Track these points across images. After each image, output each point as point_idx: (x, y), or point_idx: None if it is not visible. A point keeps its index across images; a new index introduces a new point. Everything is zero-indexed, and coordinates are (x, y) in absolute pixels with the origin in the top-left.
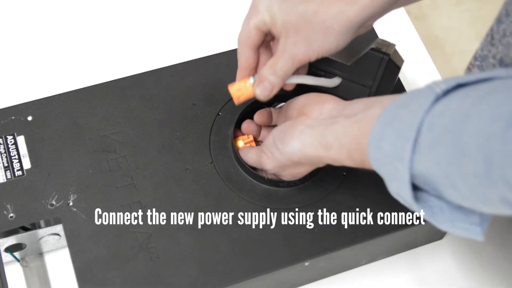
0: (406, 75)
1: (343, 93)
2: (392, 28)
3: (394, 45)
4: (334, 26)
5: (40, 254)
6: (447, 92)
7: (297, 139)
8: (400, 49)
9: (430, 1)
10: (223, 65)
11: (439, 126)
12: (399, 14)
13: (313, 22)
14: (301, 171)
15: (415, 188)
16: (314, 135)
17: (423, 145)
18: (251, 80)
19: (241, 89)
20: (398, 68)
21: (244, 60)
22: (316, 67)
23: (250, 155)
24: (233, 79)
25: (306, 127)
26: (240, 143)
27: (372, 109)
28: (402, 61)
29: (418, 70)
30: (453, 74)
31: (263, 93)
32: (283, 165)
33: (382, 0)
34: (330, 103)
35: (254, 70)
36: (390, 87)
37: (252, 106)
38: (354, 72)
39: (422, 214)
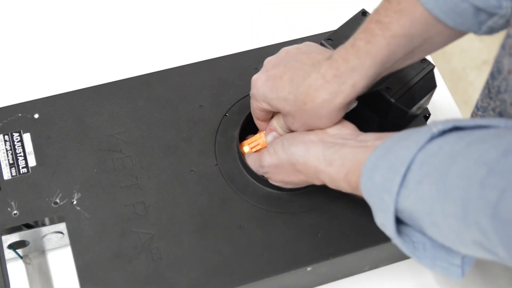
0: None
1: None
2: None
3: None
4: (323, 112)
5: (43, 252)
6: (443, 133)
7: (305, 145)
8: None
9: None
10: (230, 67)
11: (428, 164)
12: None
13: (305, 110)
14: (293, 180)
15: (401, 222)
16: (322, 148)
17: (411, 180)
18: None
19: (258, 144)
20: (405, 112)
21: (260, 126)
22: None
23: (251, 158)
24: (240, 81)
25: (318, 139)
26: (246, 148)
27: (380, 141)
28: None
29: None
30: (453, 74)
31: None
32: (280, 166)
33: (363, 83)
34: (349, 129)
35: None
36: (398, 125)
37: None
38: (370, 101)
39: (403, 248)
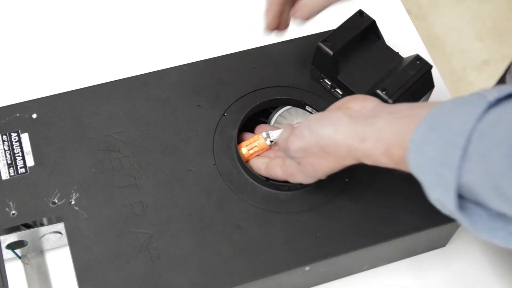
0: None
1: None
2: (392, 28)
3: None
4: None
5: (41, 252)
6: (498, 101)
7: (332, 124)
8: (400, 49)
9: (431, 0)
10: (228, 67)
11: (492, 136)
12: (399, 14)
13: None
14: (323, 165)
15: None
16: (351, 124)
17: (474, 153)
18: (264, 134)
19: (256, 146)
20: None
21: (273, 16)
22: (337, 85)
23: (280, 138)
24: (238, 80)
25: (345, 115)
26: (244, 150)
27: (417, 109)
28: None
29: None
30: (453, 74)
31: (303, 15)
32: (308, 149)
33: None
34: (373, 101)
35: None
36: None
37: (258, 108)
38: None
39: (463, 222)
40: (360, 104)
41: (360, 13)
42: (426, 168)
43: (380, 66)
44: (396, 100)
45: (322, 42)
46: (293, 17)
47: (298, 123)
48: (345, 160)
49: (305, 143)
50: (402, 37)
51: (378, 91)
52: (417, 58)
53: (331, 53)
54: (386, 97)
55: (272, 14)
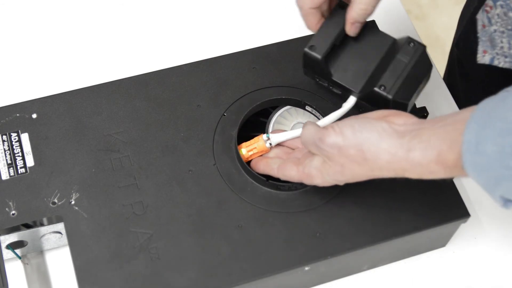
0: None
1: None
2: (392, 28)
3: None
4: None
5: (41, 252)
6: None
7: (378, 132)
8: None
9: (430, 0)
10: (228, 66)
11: None
12: (399, 14)
13: None
14: (354, 170)
15: None
16: (396, 137)
17: None
18: (264, 137)
19: (256, 147)
20: (405, 104)
21: (316, 22)
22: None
23: (309, 129)
24: (238, 80)
25: (389, 127)
26: (244, 150)
27: (461, 114)
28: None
29: None
30: None
31: (356, 31)
32: (345, 148)
33: None
34: (413, 117)
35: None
36: None
37: (258, 108)
38: (370, 102)
39: None
40: (402, 120)
41: (341, 5)
42: (488, 166)
43: (373, 54)
44: (396, 93)
45: (308, 48)
46: (350, 33)
47: (299, 123)
48: (381, 171)
49: (344, 141)
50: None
51: (376, 89)
52: (409, 40)
53: (319, 57)
54: (385, 93)
55: (312, 23)
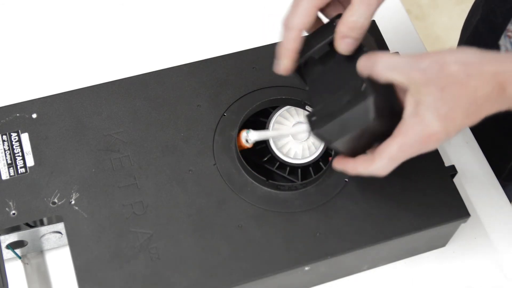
0: None
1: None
2: (392, 28)
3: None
4: None
5: (41, 252)
6: None
7: (474, 53)
8: (400, 49)
9: (430, 0)
10: (228, 67)
11: None
12: (399, 14)
13: None
14: (457, 97)
15: None
16: (496, 53)
17: None
18: (244, 133)
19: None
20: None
21: (297, 45)
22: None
23: (390, 54)
24: (238, 80)
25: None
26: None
27: None
28: None
29: None
30: None
31: (348, 49)
32: (447, 65)
33: None
34: None
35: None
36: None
37: (258, 108)
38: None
39: None
40: None
41: (333, 21)
42: None
43: (344, 75)
44: (321, 128)
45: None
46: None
47: (299, 123)
48: (485, 87)
49: (444, 58)
50: (402, 37)
51: (307, 115)
52: (364, 82)
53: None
54: (309, 124)
55: (289, 57)
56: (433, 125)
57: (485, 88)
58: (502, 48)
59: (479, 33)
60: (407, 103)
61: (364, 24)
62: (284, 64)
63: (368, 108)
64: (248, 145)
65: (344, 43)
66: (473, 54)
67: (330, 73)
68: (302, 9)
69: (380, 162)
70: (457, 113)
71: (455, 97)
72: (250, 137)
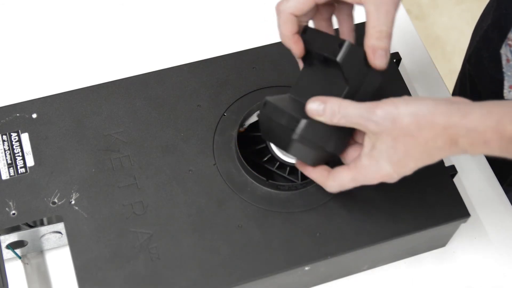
0: (407, 74)
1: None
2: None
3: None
4: None
5: (41, 252)
6: None
7: (432, 100)
8: (400, 49)
9: (430, 0)
10: (228, 67)
11: None
12: (399, 14)
13: None
14: (409, 148)
15: None
16: (452, 103)
17: None
18: None
19: None
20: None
21: (289, 29)
22: None
23: (350, 104)
24: (238, 80)
25: (444, 99)
26: None
27: None
28: None
29: (418, 70)
30: (453, 74)
31: (383, 61)
32: (399, 119)
33: None
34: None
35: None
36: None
37: (258, 108)
38: None
39: None
40: (458, 97)
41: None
42: None
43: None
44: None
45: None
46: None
47: None
48: (435, 141)
49: (396, 109)
50: (402, 37)
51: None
52: None
53: None
54: (291, 130)
55: (289, 32)
56: (385, 168)
57: (437, 141)
58: (503, 56)
59: (488, 38)
60: (364, 142)
61: (388, 32)
62: (291, 50)
63: (296, 129)
64: (241, 129)
65: (378, 57)
66: (425, 106)
67: (316, 76)
68: None
69: (331, 183)
70: (409, 161)
71: (407, 147)
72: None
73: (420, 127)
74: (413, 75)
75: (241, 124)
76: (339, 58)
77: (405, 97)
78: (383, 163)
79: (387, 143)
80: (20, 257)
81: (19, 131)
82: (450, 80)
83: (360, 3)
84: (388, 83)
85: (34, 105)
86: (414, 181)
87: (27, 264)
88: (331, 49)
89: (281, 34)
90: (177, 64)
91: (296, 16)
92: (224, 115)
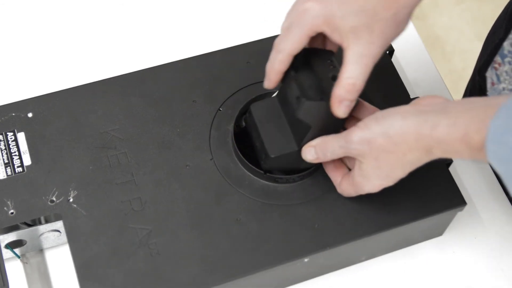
0: (407, 75)
1: None
2: None
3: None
4: (404, 16)
5: (41, 251)
6: None
7: (400, 114)
8: (400, 49)
9: (431, 0)
10: (222, 62)
11: None
12: None
13: (385, 18)
14: (390, 160)
15: None
16: (420, 114)
17: None
18: None
19: None
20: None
21: (283, 67)
22: None
23: (328, 139)
24: (233, 75)
25: (413, 108)
26: None
27: (494, 100)
28: None
29: (418, 70)
30: (453, 74)
31: (346, 112)
32: (373, 140)
33: None
34: (440, 98)
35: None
36: None
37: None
38: None
39: None
40: (427, 101)
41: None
42: (509, 158)
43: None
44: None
45: None
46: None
47: None
48: (411, 153)
49: (370, 133)
50: (402, 37)
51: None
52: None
53: None
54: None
55: (284, 66)
56: (378, 183)
57: (413, 153)
58: (488, 79)
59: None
60: (355, 160)
61: (361, 86)
62: (269, 80)
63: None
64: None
65: (342, 107)
66: (395, 121)
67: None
68: (294, 35)
69: (340, 191)
70: (397, 172)
71: (389, 162)
72: None
73: (395, 143)
74: (413, 75)
75: (238, 121)
76: (298, 115)
77: (377, 115)
78: (374, 180)
79: (371, 164)
80: (19, 257)
81: (15, 130)
82: (450, 80)
83: (342, 47)
84: (381, 75)
85: (29, 104)
86: (410, 172)
87: (26, 263)
88: (295, 105)
89: (272, 69)
90: (172, 61)
91: (294, 55)
92: (220, 110)
